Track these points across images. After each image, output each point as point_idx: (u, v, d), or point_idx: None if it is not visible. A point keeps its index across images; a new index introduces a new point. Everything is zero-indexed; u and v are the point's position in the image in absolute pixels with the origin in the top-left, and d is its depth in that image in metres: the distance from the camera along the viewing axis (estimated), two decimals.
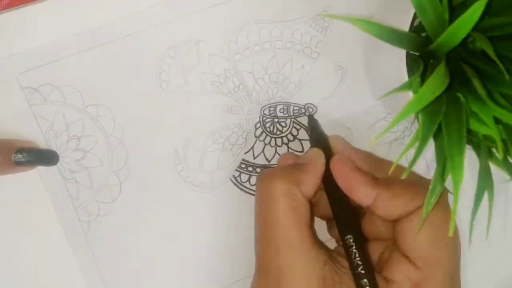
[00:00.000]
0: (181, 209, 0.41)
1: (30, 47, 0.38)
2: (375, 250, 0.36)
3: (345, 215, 0.36)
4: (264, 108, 0.42)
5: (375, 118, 0.43)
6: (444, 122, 0.29)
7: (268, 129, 0.42)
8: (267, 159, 0.42)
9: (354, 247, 0.33)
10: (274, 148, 0.42)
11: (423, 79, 0.30)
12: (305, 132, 0.42)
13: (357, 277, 0.32)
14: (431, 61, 0.32)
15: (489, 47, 0.28)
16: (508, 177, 0.32)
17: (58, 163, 0.39)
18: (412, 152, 0.43)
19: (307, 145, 0.42)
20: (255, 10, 0.41)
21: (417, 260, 0.33)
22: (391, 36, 0.29)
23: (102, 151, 0.40)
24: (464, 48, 0.32)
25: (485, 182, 0.31)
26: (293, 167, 0.37)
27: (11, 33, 0.38)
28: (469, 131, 0.31)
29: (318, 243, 0.35)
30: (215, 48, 0.41)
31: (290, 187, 0.35)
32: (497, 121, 0.29)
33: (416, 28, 0.34)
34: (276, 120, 0.42)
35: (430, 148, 0.40)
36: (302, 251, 0.33)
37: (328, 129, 0.42)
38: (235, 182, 0.42)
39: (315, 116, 0.42)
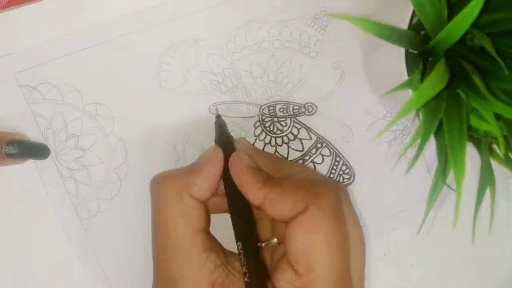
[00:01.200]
0: None
1: (28, 46, 0.38)
2: (276, 253, 0.35)
3: (240, 218, 0.34)
4: (263, 107, 0.42)
5: (374, 117, 0.43)
6: (445, 119, 0.29)
7: (268, 129, 0.42)
8: None
9: (242, 254, 0.32)
10: (274, 147, 0.42)
11: (422, 76, 0.30)
12: (306, 132, 0.42)
13: (246, 285, 0.31)
14: (430, 59, 0.32)
15: (488, 43, 0.28)
16: (509, 173, 0.32)
17: (56, 161, 0.39)
18: (411, 151, 0.43)
19: (308, 144, 0.42)
20: (253, 9, 0.41)
21: (298, 266, 0.31)
22: (390, 34, 0.29)
23: (101, 149, 0.40)
24: (463, 45, 0.32)
25: (487, 178, 0.31)
26: (186, 168, 0.36)
27: (10, 32, 0.38)
28: (469, 127, 0.31)
29: (213, 247, 0.34)
30: (214, 47, 0.41)
31: (178, 190, 0.34)
32: (497, 117, 0.29)
33: (415, 26, 0.34)
34: (276, 119, 0.42)
35: (430, 147, 0.41)
36: (191, 256, 0.33)
37: (327, 128, 0.42)
38: None
39: (315, 115, 0.42)
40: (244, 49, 0.41)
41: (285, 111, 0.42)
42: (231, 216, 0.35)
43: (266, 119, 0.42)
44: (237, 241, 0.33)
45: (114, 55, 0.39)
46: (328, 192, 0.33)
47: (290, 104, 0.42)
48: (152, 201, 0.35)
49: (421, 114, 0.29)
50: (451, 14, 0.29)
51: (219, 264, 0.33)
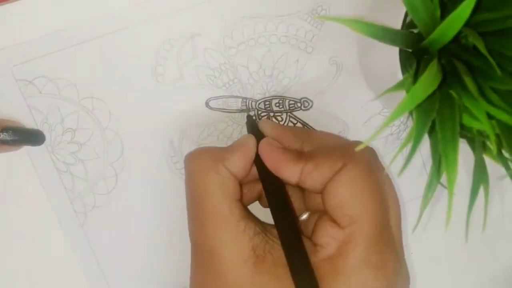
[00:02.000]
0: (176, 200, 0.41)
1: (25, 40, 0.38)
2: (312, 222, 0.36)
3: (277, 199, 0.35)
4: (259, 102, 0.42)
5: (370, 112, 0.43)
6: (438, 120, 0.29)
7: None
8: None
9: (281, 236, 0.33)
10: None
11: (416, 75, 0.30)
12: (302, 126, 0.42)
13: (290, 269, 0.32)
14: (424, 56, 0.32)
15: (480, 42, 0.28)
16: (502, 173, 0.32)
17: (52, 156, 0.40)
18: (408, 147, 0.43)
19: None
20: (250, 5, 0.41)
21: (341, 220, 0.33)
22: (384, 35, 0.29)
23: (97, 143, 0.40)
24: (457, 43, 0.32)
25: (480, 176, 0.31)
26: (220, 147, 0.37)
27: (6, 26, 0.38)
28: (463, 126, 0.31)
29: (249, 216, 0.35)
30: (211, 42, 0.41)
31: (213, 162, 0.35)
32: (490, 116, 0.29)
33: (409, 25, 0.34)
34: (271, 114, 0.42)
35: (426, 143, 0.41)
36: (230, 223, 0.33)
37: (323, 123, 0.43)
38: None
39: (310, 110, 0.42)
40: (240, 44, 0.41)
41: (281, 106, 0.42)
42: (267, 200, 0.36)
43: (262, 114, 0.42)
44: (275, 223, 0.34)
45: (110, 49, 0.39)
46: (363, 151, 0.34)
47: (286, 99, 0.42)
48: (188, 173, 0.36)
49: (413, 115, 0.29)
50: (444, 13, 0.29)
51: (258, 231, 0.34)
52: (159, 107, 0.41)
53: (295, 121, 0.42)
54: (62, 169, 0.40)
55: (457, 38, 0.31)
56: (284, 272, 0.32)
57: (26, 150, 0.39)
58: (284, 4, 0.41)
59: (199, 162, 0.35)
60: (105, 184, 0.40)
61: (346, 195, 0.33)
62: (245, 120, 0.41)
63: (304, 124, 0.43)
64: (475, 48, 0.31)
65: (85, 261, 0.41)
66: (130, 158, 0.41)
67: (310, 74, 0.42)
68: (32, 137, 0.39)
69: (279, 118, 0.42)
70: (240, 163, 0.35)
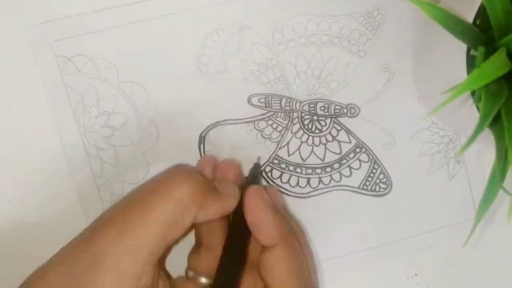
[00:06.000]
0: None
1: (70, 14, 0.37)
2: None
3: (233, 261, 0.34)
4: (303, 104, 0.40)
5: (419, 126, 0.41)
6: (504, 110, 0.26)
7: (306, 127, 0.40)
8: (302, 158, 0.40)
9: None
10: (311, 147, 0.40)
11: None
12: (346, 134, 0.40)
13: None
14: None
15: None
16: None
17: (84, 139, 0.38)
18: (455, 165, 0.41)
19: (346, 147, 0.40)
20: (304, 1, 0.39)
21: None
22: (456, 26, 0.27)
23: (132, 130, 0.38)
24: None
25: None
26: (211, 185, 0.33)
27: None
28: None
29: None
30: (259, 36, 0.39)
31: (192, 205, 0.31)
32: None
33: (477, 27, 0.32)
34: (315, 118, 0.40)
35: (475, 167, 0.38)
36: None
37: (368, 133, 0.40)
38: (266, 177, 0.40)
39: (357, 117, 0.40)
40: (290, 41, 0.39)
41: (326, 110, 0.40)
42: (223, 257, 0.34)
43: (306, 117, 0.40)
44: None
45: (156, 34, 0.38)
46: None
47: (332, 103, 0.40)
48: (163, 184, 0.32)
49: (482, 95, 0.26)
50: None
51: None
52: (198, 98, 0.39)
53: (339, 128, 0.40)
54: (92, 153, 0.38)
55: None
56: None
57: (57, 131, 0.38)
58: (340, 4, 0.39)
59: (179, 188, 0.31)
60: (135, 173, 0.38)
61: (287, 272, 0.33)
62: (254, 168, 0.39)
63: (348, 132, 0.40)
64: None
65: None
66: (163, 148, 0.39)
67: (360, 80, 0.40)
68: None
69: (323, 123, 0.40)
70: (212, 215, 0.33)
